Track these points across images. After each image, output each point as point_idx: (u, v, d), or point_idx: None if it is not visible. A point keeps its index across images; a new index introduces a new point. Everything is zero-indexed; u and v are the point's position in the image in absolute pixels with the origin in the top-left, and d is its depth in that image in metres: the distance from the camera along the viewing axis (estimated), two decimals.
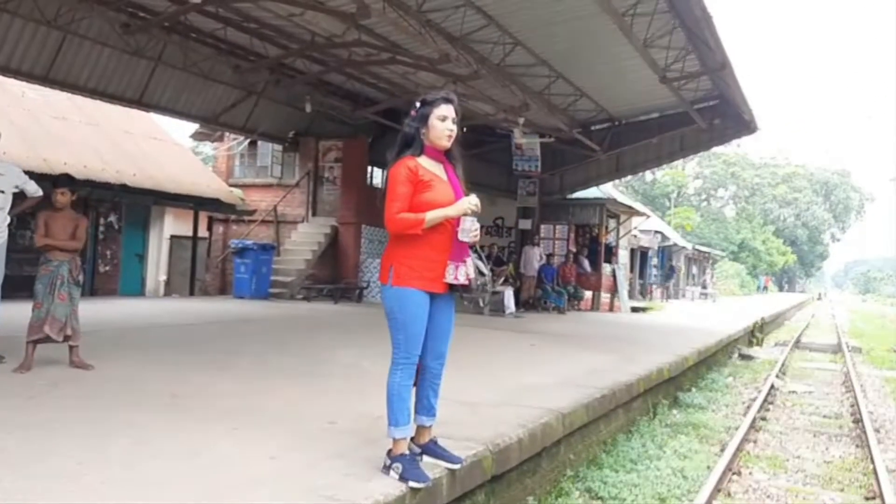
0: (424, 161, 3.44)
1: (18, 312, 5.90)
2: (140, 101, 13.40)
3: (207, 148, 41.21)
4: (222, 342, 8.44)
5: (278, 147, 18.32)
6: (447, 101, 3.43)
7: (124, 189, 13.86)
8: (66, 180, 5.82)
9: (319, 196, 18.20)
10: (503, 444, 4.27)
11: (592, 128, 17.78)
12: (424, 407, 3.54)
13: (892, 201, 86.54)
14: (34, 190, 6.00)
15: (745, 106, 15.48)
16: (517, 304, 16.21)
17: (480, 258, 3.62)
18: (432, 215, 3.33)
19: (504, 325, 12.58)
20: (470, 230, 3.37)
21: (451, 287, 3.44)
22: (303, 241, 17.61)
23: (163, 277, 16.67)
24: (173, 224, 16.66)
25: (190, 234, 16.47)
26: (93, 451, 3.54)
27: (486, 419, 4.76)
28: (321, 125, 17.30)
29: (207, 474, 3.28)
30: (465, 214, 3.37)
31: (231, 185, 18.13)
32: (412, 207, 3.36)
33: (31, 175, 6.23)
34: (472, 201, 3.37)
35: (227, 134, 18.48)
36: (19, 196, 6.00)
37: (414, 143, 3.43)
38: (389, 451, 3.43)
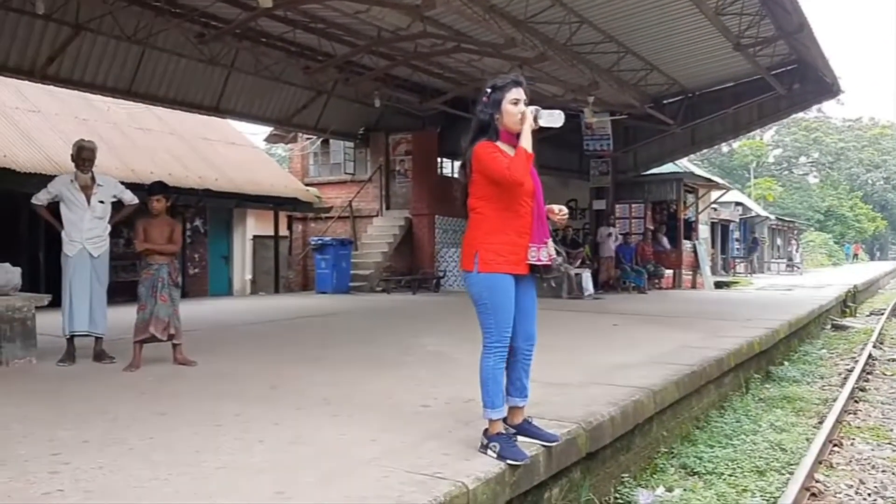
0: (501, 145, 3.48)
1: (121, 316, 6.29)
2: (217, 108, 13.94)
3: (280, 150, 42.40)
4: (311, 336, 8.73)
5: (350, 144, 18.69)
6: (517, 84, 3.46)
7: (207, 193, 14.43)
8: (159, 188, 6.13)
9: (392, 189, 18.48)
10: (595, 421, 4.28)
11: (665, 102, 17.36)
12: (517, 388, 3.59)
13: None
14: (130, 198, 6.36)
15: (827, 68, 14.82)
16: (596, 285, 16.05)
17: (557, 241, 3.67)
18: (522, 142, 3.38)
19: (584, 308, 12.50)
20: (552, 113, 3.44)
21: (532, 269, 3.50)
22: (378, 235, 17.93)
23: (248, 277, 17.27)
24: (255, 225, 17.23)
25: (271, 233, 17.01)
26: (206, 440, 3.76)
27: (577, 399, 4.78)
28: (390, 119, 17.54)
29: (315, 458, 3.43)
30: (535, 118, 3.41)
31: (307, 185, 18.61)
32: (490, 188, 3.42)
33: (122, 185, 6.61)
34: (530, 108, 3.41)
35: (299, 134, 18.98)
36: (117, 205, 6.37)
37: (489, 130, 3.47)
38: (486, 431, 3.51)
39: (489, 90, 3.48)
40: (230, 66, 13.35)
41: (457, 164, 18.75)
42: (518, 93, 3.44)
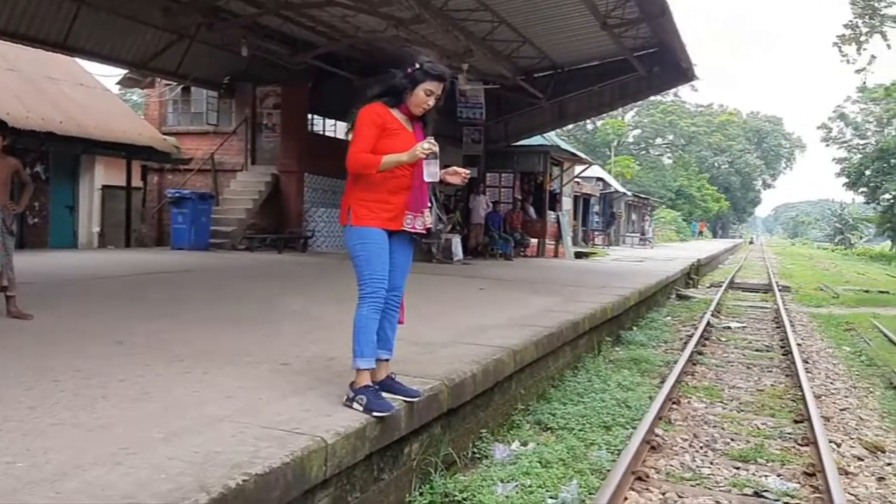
0: (396, 112, 3.54)
1: None
2: (64, 45, 12.72)
3: (135, 96, 39.66)
4: (166, 292, 8.27)
5: (213, 93, 17.73)
6: (441, 79, 3.50)
7: (51, 137, 13.23)
8: None
9: (258, 144, 17.77)
10: (458, 379, 4.35)
11: (535, 75, 17.75)
12: (382, 340, 3.60)
13: (820, 148, 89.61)
14: None
15: (684, 54, 15.68)
16: (464, 251, 16.31)
17: (439, 206, 3.72)
18: (388, 159, 3.43)
19: (453, 272, 12.67)
20: (434, 173, 3.50)
21: (409, 233, 3.59)
22: (242, 191, 17.25)
23: (96, 229, 16.11)
24: (105, 174, 16.02)
25: (123, 184, 15.91)
26: (41, 395, 3.46)
27: (441, 357, 4.83)
28: (258, 70, 16.74)
29: (162, 414, 3.24)
30: (420, 158, 3.44)
31: (164, 134, 17.49)
32: (377, 150, 3.45)
33: None
34: (423, 146, 3.42)
35: (157, 80, 17.75)
36: None
37: (395, 96, 3.51)
38: (352, 384, 3.48)
39: (417, 66, 3.47)
40: (80, 0, 12.19)
41: (328, 121, 18.42)
42: (436, 87, 3.50)
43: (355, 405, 3.40)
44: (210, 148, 17.67)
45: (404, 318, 3.78)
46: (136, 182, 16.48)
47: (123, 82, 18.07)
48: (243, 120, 17.54)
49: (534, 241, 20.30)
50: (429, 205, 3.61)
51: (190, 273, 10.53)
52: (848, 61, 26.78)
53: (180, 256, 13.43)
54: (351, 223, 3.51)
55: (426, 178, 3.49)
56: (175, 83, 17.43)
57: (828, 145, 64.55)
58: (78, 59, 15.18)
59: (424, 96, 3.49)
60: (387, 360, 3.67)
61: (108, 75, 34.11)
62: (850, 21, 26.31)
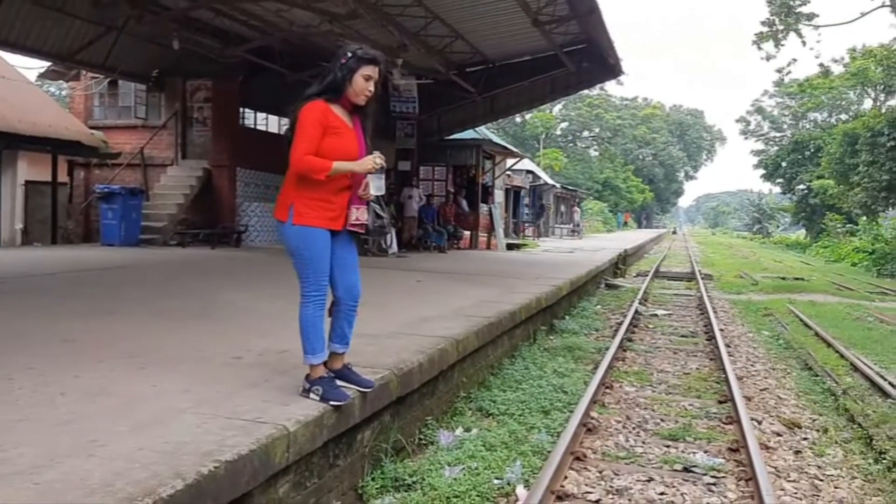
0: (336, 108, 3.55)
1: None
2: None
3: (54, 87, 38.09)
4: (102, 289, 8.16)
5: (142, 86, 17.30)
6: (376, 62, 3.54)
7: None
8: None
9: (189, 138, 17.45)
10: (406, 368, 4.55)
11: (468, 70, 18.03)
12: (338, 335, 3.72)
13: (739, 140, 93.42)
14: None
15: (612, 50, 16.23)
16: (399, 244, 16.47)
17: (379, 202, 3.81)
18: (339, 166, 3.46)
19: (389, 265, 12.82)
20: (380, 186, 3.57)
21: (348, 230, 3.65)
22: (173, 185, 16.92)
23: (19, 226, 15.55)
24: (28, 169, 15.47)
25: (48, 179, 15.40)
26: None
27: (387, 348, 5.02)
28: (188, 64, 16.42)
29: (126, 408, 3.33)
30: (369, 172, 3.52)
31: (91, 128, 16.97)
32: (320, 150, 3.47)
33: None
34: (376, 159, 3.51)
35: (82, 73, 17.21)
36: None
37: (334, 89, 3.53)
38: (307, 376, 3.62)
39: (349, 55, 3.52)
40: None
41: (260, 115, 18.24)
42: (373, 70, 3.53)
43: (311, 395, 3.55)
44: (139, 142, 17.25)
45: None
46: (63, 177, 15.96)
47: (47, 74, 17.43)
48: (173, 114, 17.19)
49: (467, 233, 20.65)
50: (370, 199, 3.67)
51: (124, 269, 10.37)
52: (767, 58, 28.12)
53: (111, 253, 13.14)
54: (292, 221, 3.51)
55: (372, 192, 3.55)
56: (102, 76, 16.93)
57: (746, 138, 67.62)
58: None
59: (364, 82, 3.51)
60: (343, 353, 3.80)
61: (31, 67, 32.63)
62: (768, 19, 27.65)
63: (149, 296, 7.65)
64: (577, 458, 4.64)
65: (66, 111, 17.81)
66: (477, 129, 22.19)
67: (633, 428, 5.46)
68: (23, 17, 12.64)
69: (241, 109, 17.46)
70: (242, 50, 14.96)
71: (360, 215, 3.62)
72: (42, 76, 18.01)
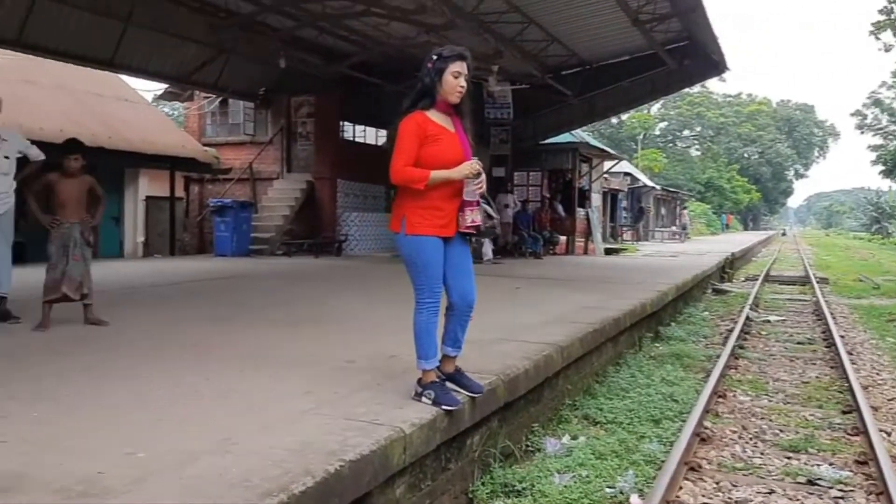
0: (434, 115, 3.61)
1: (27, 276, 6.03)
2: (111, 63, 13.24)
3: (167, 108, 40.48)
4: (219, 297, 8.64)
5: (250, 104, 18.20)
6: (462, 57, 3.57)
7: (100, 152, 13.72)
8: (76, 146, 5.89)
9: (293, 152, 18.20)
10: (512, 374, 4.58)
11: (564, 73, 17.90)
12: (451, 339, 3.79)
13: (855, 135, 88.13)
14: (37, 154, 6.05)
15: (715, 46, 15.72)
16: (493, 250, 16.50)
17: (489, 203, 3.86)
18: (436, 175, 3.52)
19: (485, 271, 12.85)
20: (475, 191, 3.63)
21: (461, 232, 3.70)
22: (279, 198, 17.67)
23: (141, 239, 16.68)
24: (148, 185, 16.59)
25: (166, 194, 16.42)
26: (138, 394, 3.77)
27: (492, 353, 5.06)
28: (292, 81, 17.16)
29: (250, 408, 3.53)
30: (466, 178, 3.58)
31: (204, 145, 18.00)
32: (420, 158, 3.55)
33: None
34: (472, 166, 3.57)
35: (196, 93, 18.29)
36: (22, 162, 6.06)
37: (427, 95, 3.59)
38: (420, 380, 3.72)
39: (434, 57, 3.58)
40: (126, 20, 12.67)
41: (358, 127, 18.75)
42: (461, 66, 3.56)
43: (424, 399, 3.63)
44: (248, 157, 18.14)
45: None
46: (179, 192, 16.98)
47: (164, 96, 18.67)
48: (279, 129, 17.98)
49: (563, 238, 20.43)
50: (479, 202, 3.71)
51: (237, 279, 10.91)
52: (885, 49, 26.41)
53: (224, 263, 13.85)
54: (405, 232, 3.59)
55: (466, 197, 3.61)
56: (213, 96, 17.93)
57: (862, 132, 63.43)
58: (122, 76, 15.70)
59: (454, 80, 3.54)
60: (455, 357, 3.86)
61: (148, 90, 35.01)
62: (886, 7, 25.95)
63: (262, 303, 8.02)
64: (692, 469, 4.51)
65: (182, 130, 18.94)
66: (573, 132, 21.97)
67: (750, 438, 5.25)
68: (145, 43, 13.57)
69: (341, 122, 18.03)
70: (344, 65, 15.47)
71: (474, 217, 3.66)
72: (160, 98, 19.24)
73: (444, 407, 3.56)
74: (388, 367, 4.59)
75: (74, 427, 3.19)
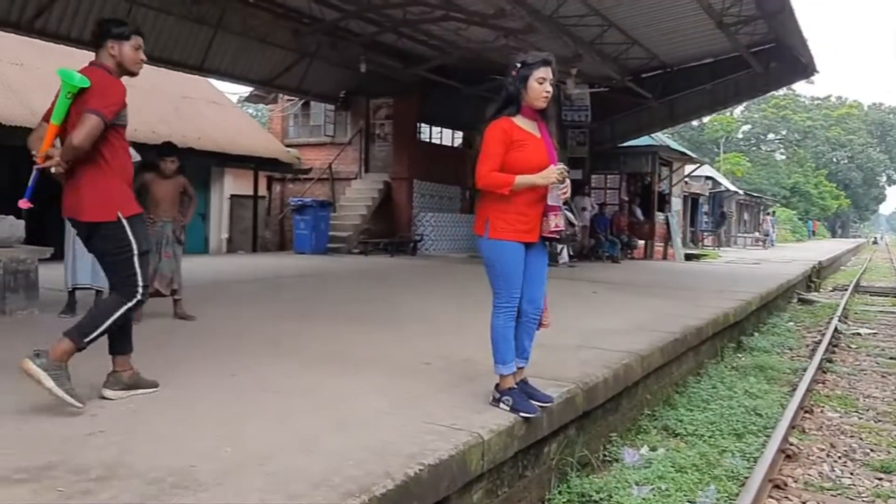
0: (520, 120, 3.62)
1: None
2: (201, 67, 13.82)
3: (251, 109, 41.81)
4: (299, 294, 8.87)
5: (330, 106, 18.63)
6: (546, 63, 3.56)
7: (190, 153, 14.29)
8: (172, 149, 6.18)
9: (371, 153, 18.51)
10: (591, 382, 4.52)
11: (644, 76, 17.54)
12: (518, 349, 3.76)
13: None
14: (133, 155, 6.32)
15: (804, 48, 15.10)
16: (570, 253, 16.32)
17: (571, 210, 3.82)
18: (521, 180, 3.52)
19: (562, 275, 12.72)
20: (559, 196, 3.62)
21: (545, 237, 3.69)
22: (357, 198, 17.99)
23: (225, 235, 17.26)
24: (233, 184, 17.16)
25: (249, 193, 16.96)
26: (227, 390, 3.91)
27: (570, 360, 5.01)
28: (371, 84, 17.44)
29: (329, 406, 3.61)
30: (552, 183, 3.56)
31: (286, 146, 18.53)
32: (505, 164, 3.55)
33: None
34: (559, 171, 3.55)
35: (279, 96, 18.84)
36: None
37: (513, 103, 3.60)
38: (497, 386, 3.71)
39: (518, 65, 3.58)
40: (216, 26, 13.21)
41: (436, 129, 18.89)
42: (546, 72, 3.56)
43: (502, 405, 3.62)
44: (327, 158, 18.57)
45: (549, 322, 3.94)
46: (262, 191, 17.51)
47: (249, 98, 19.32)
48: (358, 131, 18.32)
49: (641, 242, 20.01)
50: (562, 207, 3.69)
51: (315, 276, 11.16)
52: None
53: (303, 260, 14.21)
54: (489, 235, 3.60)
55: (550, 202, 3.60)
56: (296, 98, 18.44)
57: None
58: (210, 79, 16.32)
59: (538, 86, 3.53)
60: (521, 368, 3.82)
61: (235, 93, 36.22)
62: None
63: (339, 301, 8.20)
64: (777, 487, 4.35)
65: (266, 131, 19.53)
66: (653, 135, 21.50)
67: (839, 457, 5.03)
68: (232, 48, 14.11)
69: (418, 124, 18.21)
70: (422, 69, 15.62)
71: (558, 221, 3.64)
72: (245, 100, 19.91)
73: (522, 414, 3.55)
74: (463, 369, 4.61)
75: (165, 419, 3.34)
